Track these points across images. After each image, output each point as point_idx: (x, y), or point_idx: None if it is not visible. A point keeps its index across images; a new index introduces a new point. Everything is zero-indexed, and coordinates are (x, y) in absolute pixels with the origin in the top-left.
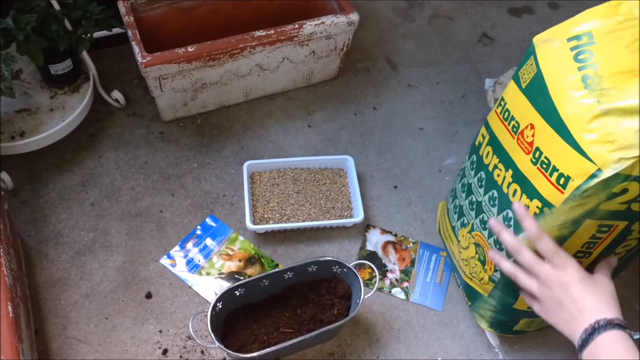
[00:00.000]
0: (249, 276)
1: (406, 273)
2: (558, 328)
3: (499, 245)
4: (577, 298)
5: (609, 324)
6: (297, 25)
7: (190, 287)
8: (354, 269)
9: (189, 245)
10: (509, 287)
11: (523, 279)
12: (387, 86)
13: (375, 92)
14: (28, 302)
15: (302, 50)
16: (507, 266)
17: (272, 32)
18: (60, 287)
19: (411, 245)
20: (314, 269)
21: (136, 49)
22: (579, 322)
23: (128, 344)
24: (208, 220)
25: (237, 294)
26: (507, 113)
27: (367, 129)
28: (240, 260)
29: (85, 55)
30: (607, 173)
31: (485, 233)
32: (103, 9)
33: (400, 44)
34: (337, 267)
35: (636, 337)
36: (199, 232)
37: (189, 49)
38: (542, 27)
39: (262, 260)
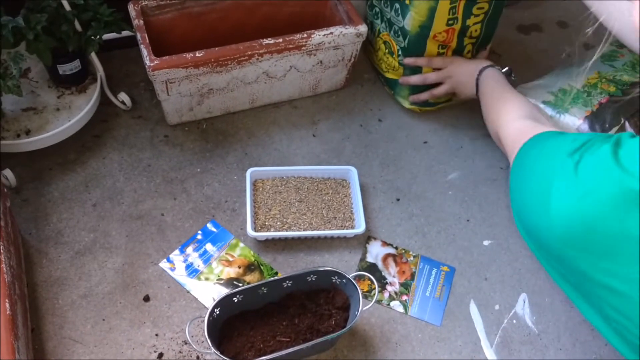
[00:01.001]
0: (248, 283)
1: (405, 286)
2: (471, 96)
3: (394, 31)
4: (467, 70)
5: (484, 68)
6: (305, 35)
7: (188, 292)
8: (353, 280)
9: (189, 249)
10: (415, 68)
11: (438, 90)
12: (393, 98)
13: (381, 104)
14: (26, 300)
15: (310, 59)
16: (416, 79)
17: (281, 40)
18: (58, 287)
19: (412, 258)
20: (313, 279)
21: (145, 52)
22: (473, 79)
23: (124, 347)
24: (209, 225)
25: (236, 300)
26: None
27: (371, 140)
28: (239, 267)
29: (93, 56)
30: None
31: (388, 31)
32: (113, 12)
33: None
34: (336, 277)
35: (503, 70)
36: (199, 236)
37: (197, 54)
38: (550, 44)
39: (262, 267)
